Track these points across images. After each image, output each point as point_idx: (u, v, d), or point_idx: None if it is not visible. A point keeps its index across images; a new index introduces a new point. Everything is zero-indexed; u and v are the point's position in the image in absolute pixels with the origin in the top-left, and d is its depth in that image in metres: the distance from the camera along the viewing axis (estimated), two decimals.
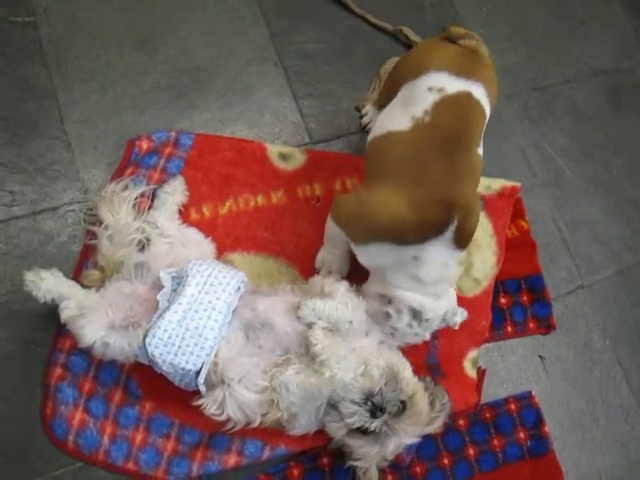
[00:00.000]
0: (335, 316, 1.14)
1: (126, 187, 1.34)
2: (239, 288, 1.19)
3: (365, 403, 1.13)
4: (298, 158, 1.53)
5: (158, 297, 1.16)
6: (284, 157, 1.52)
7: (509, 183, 1.64)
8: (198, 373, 1.13)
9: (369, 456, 1.17)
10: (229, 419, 1.14)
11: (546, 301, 1.62)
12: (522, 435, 1.49)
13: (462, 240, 1.15)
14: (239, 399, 1.12)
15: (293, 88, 1.62)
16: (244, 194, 1.47)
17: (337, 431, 1.17)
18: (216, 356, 1.13)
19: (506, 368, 1.56)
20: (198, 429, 1.29)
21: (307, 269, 1.43)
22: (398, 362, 1.20)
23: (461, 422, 1.45)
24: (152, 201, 1.36)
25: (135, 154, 1.42)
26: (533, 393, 1.54)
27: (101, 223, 1.29)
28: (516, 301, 1.60)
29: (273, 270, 1.43)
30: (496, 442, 1.47)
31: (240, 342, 1.16)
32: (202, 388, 1.14)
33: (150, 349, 1.11)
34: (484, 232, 1.57)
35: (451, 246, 1.14)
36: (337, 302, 1.16)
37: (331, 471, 1.34)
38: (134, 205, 1.32)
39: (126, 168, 1.40)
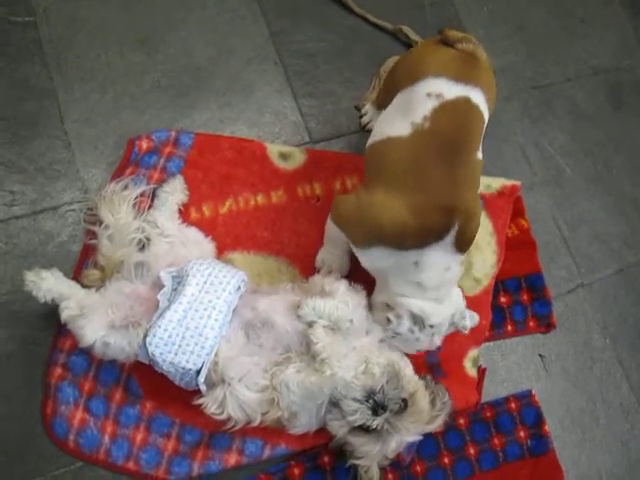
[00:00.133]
0: (336, 315, 1.14)
1: (126, 187, 1.34)
2: (239, 287, 1.19)
3: (367, 401, 1.13)
4: (298, 157, 1.53)
5: (158, 296, 1.16)
6: (284, 156, 1.52)
7: (509, 182, 1.64)
8: (198, 372, 1.13)
9: (371, 454, 1.17)
10: (229, 418, 1.14)
11: (546, 300, 1.62)
12: (522, 434, 1.50)
13: (463, 244, 1.15)
14: (239, 398, 1.12)
15: (293, 87, 1.62)
16: (244, 193, 1.47)
17: (339, 429, 1.17)
18: (216, 355, 1.13)
19: (506, 367, 1.56)
20: (199, 428, 1.29)
21: (307, 268, 1.43)
22: (399, 360, 1.20)
23: (461, 421, 1.46)
24: (152, 200, 1.36)
25: (135, 154, 1.42)
26: (533, 392, 1.54)
27: (101, 223, 1.29)
28: (516, 300, 1.60)
29: (273, 269, 1.43)
30: (496, 441, 1.47)
31: (240, 341, 1.16)
32: (202, 387, 1.14)
33: (150, 348, 1.11)
34: (484, 231, 1.57)
35: (452, 250, 1.14)
36: (337, 301, 1.16)
37: (332, 470, 1.34)
38: (134, 205, 1.33)
39: (126, 168, 1.40)
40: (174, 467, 1.27)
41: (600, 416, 1.61)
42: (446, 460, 1.42)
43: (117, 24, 1.53)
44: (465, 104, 1.14)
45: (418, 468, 1.39)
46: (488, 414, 1.49)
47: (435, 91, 1.14)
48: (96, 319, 1.14)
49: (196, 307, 1.13)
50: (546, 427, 1.51)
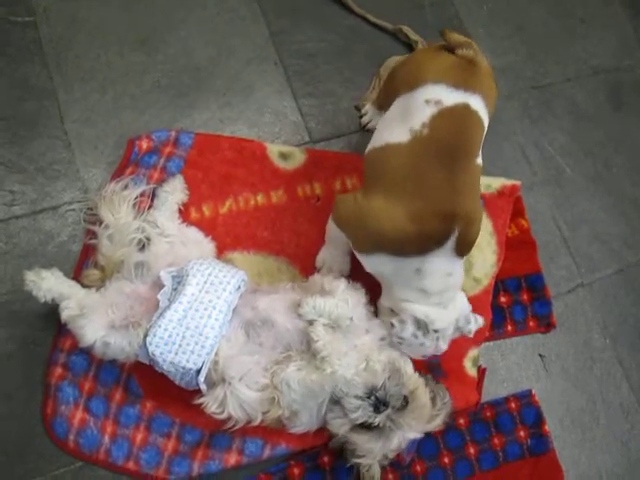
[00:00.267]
0: (336, 313, 1.15)
1: (126, 186, 1.34)
2: (239, 287, 1.19)
3: (368, 397, 1.13)
4: (298, 157, 1.53)
5: (158, 296, 1.16)
6: (284, 156, 1.52)
7: (509, 182, 1.64)
8: (199, 372, 1.13)
9: (373, 452, 1.17)
10: (230, 417, 1.14)
11: (546, 300, 1.62)
12: (522, 434, 1.50)
13: (463, 249, 1.16)
14: (240, 397, 1.12)
15: (293, 87, 1.62)
16: (244, 193, 1.47)
17: (340, 427, 1.17)
18: (217, 354, 1.13)
19: (506, 367, 1.56)
20: (199, 428, 1.29)
21: (307, 268, 1.43)
22: (399, 358, 1.20)
23: (461, 421, 1.46)
24: (152, 200, 1.36)
25: (135, 153, 1.42)
26: (533, 392, 1.54)
27: (101, 222, 1.29)
28: (516, 300, 1.60)
29: (273, 269, 1.43)
30: (496, 441, 1.47)
31: (241, 340, 1.16)
32: (203, 387, 1.15)
33: (151, 348, 1.11)
34: (484, 231, 1.57)
35: (453, 256, 1.15)
36: (337, 299, 1.16)
37: (332, 470, 1.34)
38: (134, 204, 1.33)
39: (126, 167, 1.40)
40: (174, 467, 1.27)
41: (600, 416, 1.61)
42: (446, 460, 1.42)
43: (117, 24, 1.53)
44: (464, 110, 1.14)
45: (418, 468, 1.39)
46: (488, 414, 1.49)
47: (434, 98, 1.14)
48: (96, 319, 1.14)
49: (196, 307, 1.13)
50: (546, 427, 1.51)
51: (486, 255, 1.56)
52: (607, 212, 1.81)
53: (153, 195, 1.37)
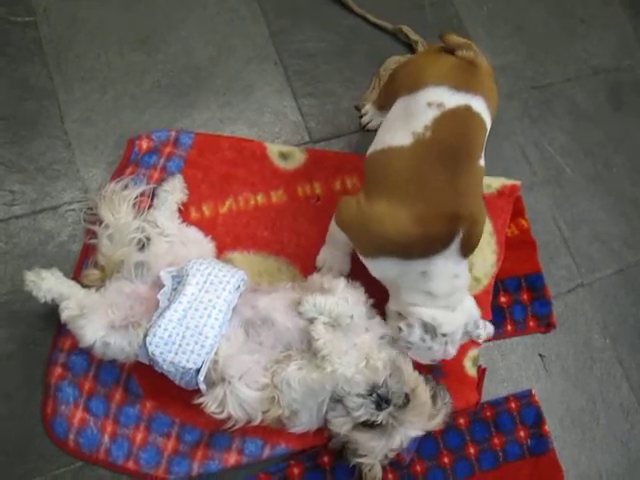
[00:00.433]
0: (336, 311, 1.15)
1: (126, 186, 1.34)
2: (239, 286, 1.19)
3: (370, 395, 1.13)
4: (298, 157, 1.53)
5: (158, 296, 1.16)
6: (284, 156, 1.52)
7: (509, 182, 1.64)
8: (198, 371, 1.13)
9: (375, 451, 1.17)
10: (230, 417, 1.14)
11: (546, 299, 1.62)
12: (522, 434, 1.50)
13: (468, 250, 1.16)
14: (240, 397, 1.12)
15: (293, 87, 1.62)
16: (244, 193, 1.47)
17: (342, 426, 1.17)
18: (216, 354, 1.13)
19: (506, 367, 1.56)
20: (199, 428, 1.29)
21: (307, 268, 1.43)
22: (399, 357, 1.20)
23: (461, 421, 1.46)
24: (152, 200, 1.36)
25: (135, 153, 1.42)
26: (533, 392, 1.54)
27: (101, 222, 1.29)
28: (516, 300, 1.60)
29: (273, 269, 1.43)
30: (496, 441, 1.47)
31: (240, 339, 1.16)
32: (202, 386, 1.15)
33: (151, 348, 1.11)
34: (484, 231, 1.56)
35: (458, 257, 1.15)
36: (338, 297, 1.17)
37: (332, 470, 1.34)
38: (134, 204, 1.33)
39: (126, 167, 1.40)
40: (174, 467, 1.27)
41: (600, 416, 1.61)
42: (446, 460, 1.42)
43: (117, 24, 1.53)
44: (466, 112, 1.14)
45: (418, 468, 1.39)
46: (488, 414, 1.49)
47: (436, 100, 1.14)
48: (96, 319, 1.14)
49: (196, 306, 1.13)
50: (546, 427, 1.51)
51: (486, 255, 1.56)
52: (607, 212, 1.81)
53: (153, 195, 1.37)
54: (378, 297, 1.28)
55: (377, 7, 1.73)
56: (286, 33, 1.66)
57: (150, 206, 1.35)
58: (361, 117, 1.61)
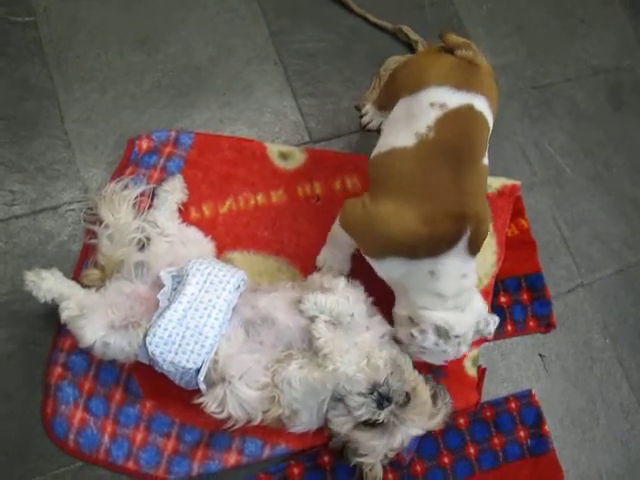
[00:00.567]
0: (337, 309, 1.15)
1: (126, 186, 1.34)
2: (239, 286, 1.19)
3: (371, 394, 1.13)
4: (298, 157, 1.53)
5: (158, 296, 1.16)
6: (284, 156, 1.52)
7: (509, 181, 1.64)
8: (198, 371, 1.13)
9: (376, 450, 1.17)
10: (230, 417, 1.14)
11: (546, 299, 1.62)
12: (522, 434, 1.50)
13: (474, 248, 1.15)
14: (240, 396, 1.12)
15: (293, 87, 1.62)
16: (244, 193, 1.47)
17: (343, 425, 1.17)
18: (216, 354, 1.13)
19: (506, 367, 1.56)
20: (198, 428, 1.29)
21: (307, 267, 1.43)
22: (400, 355, 1.20)
23: (461, 421, 1.46)
24: (152, 200, 1.36)
25: (135, 153, 1.42)
26: (533, 392, 1.54)
27: (101, 222, 1.29)
28: (516, 300, 1.60)
29: (273, 269, 1.43)
30: (496, 441, 1.47)
31: (240, 339, 1.16)
32: (202, 386, 1.15)
33: (151, 348, 1.11)
34: None
35: (466, 256, 1.14)
36: (338, 296, 1.17)
37: (332, 470, 1.34)
38: (134, 204, 1.33)
39: (126, 167, 1.40)
40: (174, 467, 1.27)
41: (600, 416, 1.61)
42: (446, 460, 1.42)
43: (117, 24, 1.53)
44: (469, 112, 1.14)
45: (418, 468, 1.39)
46: (488, 414, 1.49)
47: (438, 101, 1.14)
48: (96, 319, 1.14)
49: (196, 306, 1.13)
50: (546, 427, 1.51)
51: (486, 255, 1.56)
52: (607, 212, 1.81)
53: (153, 195, 1.37)
54: (378, 295, 1.27)
55: (377, 7, 1.73)
56: (286, 33, 1.66)
57: (150, 206, 1.35)
58: (361, 117, 1.61)
